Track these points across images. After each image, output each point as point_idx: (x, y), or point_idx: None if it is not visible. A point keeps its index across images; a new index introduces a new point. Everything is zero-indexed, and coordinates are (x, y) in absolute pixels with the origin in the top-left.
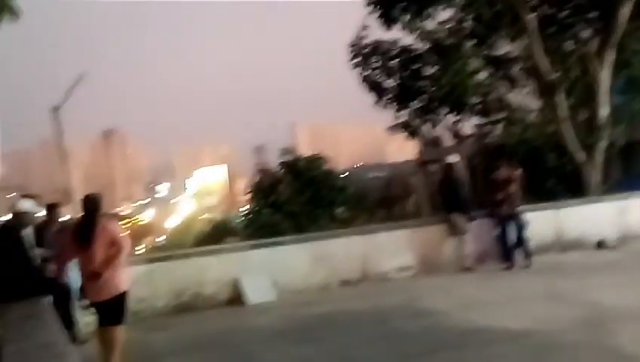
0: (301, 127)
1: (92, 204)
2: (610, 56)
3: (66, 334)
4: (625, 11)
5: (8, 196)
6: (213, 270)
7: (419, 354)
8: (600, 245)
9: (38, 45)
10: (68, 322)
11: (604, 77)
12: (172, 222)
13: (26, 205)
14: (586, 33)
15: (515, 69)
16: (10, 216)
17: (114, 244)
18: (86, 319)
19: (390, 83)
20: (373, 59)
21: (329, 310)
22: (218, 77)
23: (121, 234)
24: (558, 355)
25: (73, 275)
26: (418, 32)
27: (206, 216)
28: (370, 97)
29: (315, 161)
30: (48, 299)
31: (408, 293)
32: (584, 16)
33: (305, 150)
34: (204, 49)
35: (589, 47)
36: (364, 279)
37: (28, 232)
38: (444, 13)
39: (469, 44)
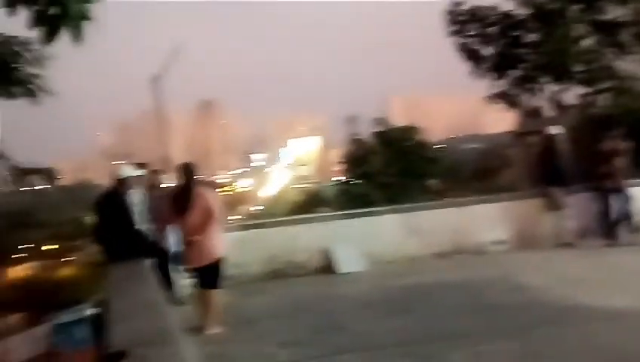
0: (395, 98)
1: (189, 172)
2: None
3: (166, 295)
4: None
5: (114, 163)
6: (304, 238)
7: (515, 329)
8: None
9: (135, 18)
10: (167, 284)
11: None
12: (266, 191)
13: (128, 171)
14: None
15: (625, 35)
16: (113, 181)
17: (210, 211)
18: (184, 282)
19: (488, 51)
20: (471, 26)
21: (421, 281)
22: (313, 48)
23: (216, 202)
24: None
25: (173, 240)
26: None
27: (299, 185)
28: (466, 66)
29: (408, 131)
30: (150, 261)
31: (503, 267)
32: None
33: (399, 122)
34: (300, 17)
35: None
36: (457, 252)
37: (134, 197)
38: None
39: (575, 8)
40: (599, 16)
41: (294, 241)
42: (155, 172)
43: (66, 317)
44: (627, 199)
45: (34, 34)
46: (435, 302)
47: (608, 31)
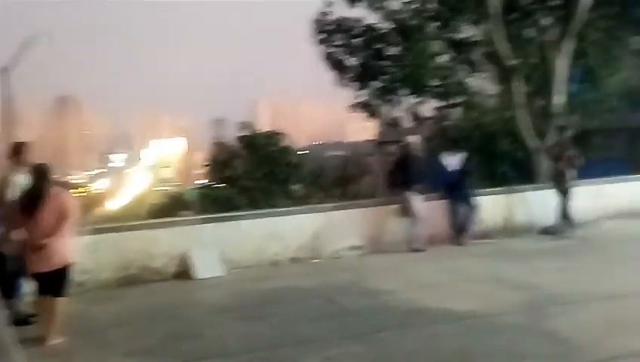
0: (262, 103)
1: (40, 174)
2: (569, 45)
3: (6, 305)
4: (586, 1)
5: None
6: (162, 243)
7: (363, 333)
8: (546, 231)
9: None
10: (8, 292)
11: (562, 65)
12: (125, 193)
13: None
14: (547, 21)
15: (476, 54)
16: None
17: (62, 214)
18: (26, 288)
19: (352, 61)
20: (337, 36)
21: (277, 286)
22: (179, 50)
23: (70, 204)
24: (495, 336)
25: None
26: (382, 10)
27: (161, 188)
28: (332, 75)
29: (272, 136)
30: None
31: (357, 272)
32: (546, 4)
33: (265, 126)
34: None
35: (549, 35)
36: (315, 257)
37: None
38: None
39: (433, 25)
40: (454, 34)
41: (151, 246)
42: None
43: None
44: (473, 207)
45: None
46: (290, 308)
47: (461, 49)
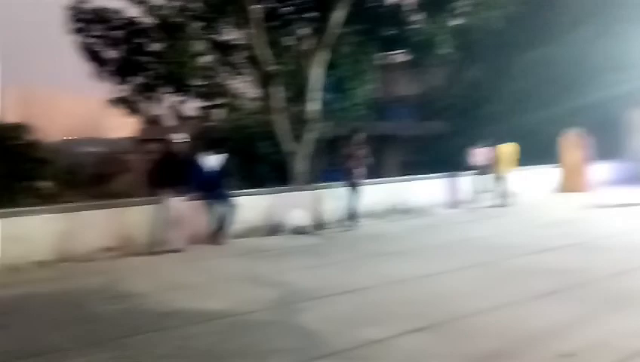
0: (8, 92)
1: None
2: (323, 56)
3: None
4: (338, 15)
5: None
6: None
7: (111, 339)
8: (298, 230)
9: None
10: None
11: (316, 75)
12: None
13: None
14: (304, 31)
15: (239, 57)
16: None
17: None
18: None
19: (112, 54)
20: (94, 27)
21: (18, 294)
22: None
23: None
24: (247, 334)
25: None
26: (144, 5)
27: None
28: (89, 67)
29: (14, 129)
30: None
31: (110, 275)
32: (304, 15)
33: (11, 116)
34: None
35: (306, 44)
36: (63, 260)
37: None
38: None
39: (196, 25)
40: (218, 36)
41: None
42: None
43: None
44: (231, 207)
45: None
46: (32, 316)
47: (225, 51)
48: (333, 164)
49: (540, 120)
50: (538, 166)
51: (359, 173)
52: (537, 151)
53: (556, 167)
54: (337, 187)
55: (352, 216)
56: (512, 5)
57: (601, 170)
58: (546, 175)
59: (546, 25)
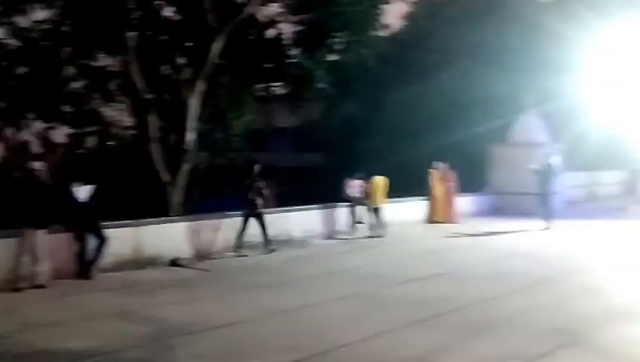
0: None
1: None
2: (201, 86)
3: None
4: (217, 46)
5: None
6: None
7: None
8: (174, 263)
9: None
10: None
11: (193, 104)
12: None
13: None
14: (182, 60)
15: (112, 84)
16: None
17: None
18: None
19: None
20: None
21: None
22: None
23: None
24: None
25: None
26: (9, 26)
27: None
28: None
29: None
30: None
31: None
32: (181, 45)
33: None
34: None
35: (182, 74)
36: None
37: None
38: (43, 13)
39: (67, 50)
40: (90, 61)
41: None
42: None
43: None
44: (102, 240)
45: None
46: None
47: (97, 77)
48: (213, 195)
49: (411, 154)
50: (408, 198)
51: (260, 203)
52: (408, 184)
53: (425, 199)
54: (220, 218)
55: (267, 243)
56: (384, 45)
57: (465, 202)
58: (416, 207)
59: (416, 64)
